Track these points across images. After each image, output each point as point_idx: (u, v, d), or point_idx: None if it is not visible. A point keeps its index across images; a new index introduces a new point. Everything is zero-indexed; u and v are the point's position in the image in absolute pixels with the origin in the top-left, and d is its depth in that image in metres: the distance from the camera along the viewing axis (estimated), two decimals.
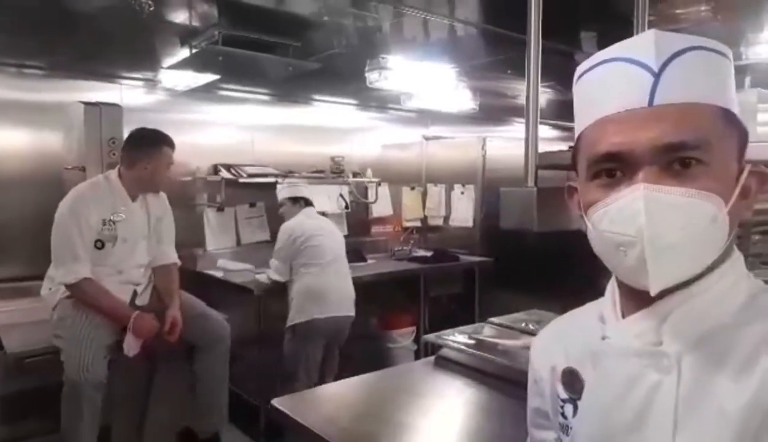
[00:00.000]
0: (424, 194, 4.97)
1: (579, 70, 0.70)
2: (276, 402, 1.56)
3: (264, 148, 4.20)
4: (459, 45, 3.00)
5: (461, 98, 4.17)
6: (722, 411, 0.58)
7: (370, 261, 4.35)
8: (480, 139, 4.58)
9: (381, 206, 4.71)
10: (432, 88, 3.81)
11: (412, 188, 4.96)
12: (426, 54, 3.09)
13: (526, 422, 0.88)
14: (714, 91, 0.62)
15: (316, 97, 4.48)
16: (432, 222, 4.95)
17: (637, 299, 0.65)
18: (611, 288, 0.72)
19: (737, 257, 0.66)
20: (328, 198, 4.14)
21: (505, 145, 4.90)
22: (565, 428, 0.74)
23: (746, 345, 0.59)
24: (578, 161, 0.71)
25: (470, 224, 4.62)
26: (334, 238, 3.37)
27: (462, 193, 4.68)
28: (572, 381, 0.73)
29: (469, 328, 2.18)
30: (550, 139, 6.38)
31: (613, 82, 0.64)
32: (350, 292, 3.34)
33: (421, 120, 5.11)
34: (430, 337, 2.03)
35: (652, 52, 0.61)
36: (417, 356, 4.31)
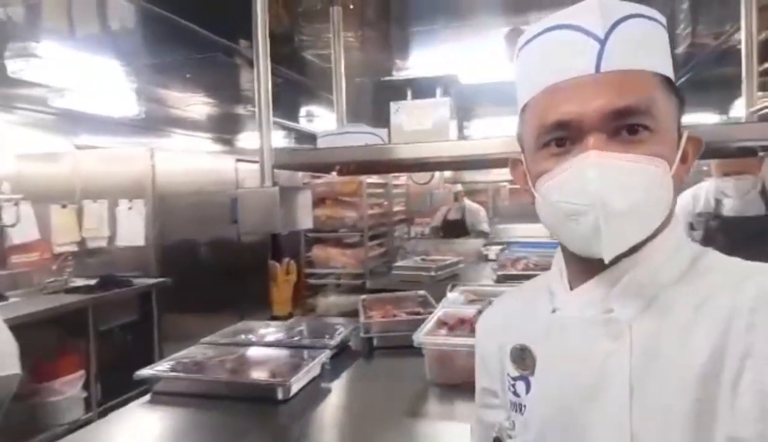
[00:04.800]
0: (80, 212, 4.24)
1: (521, 39, 0.68)
2: None
3: None
4: (131, 37, 2.65)
5: (127, 102, 3.71)
6: (675, 373, 0.58)
7: (12, 300, 3.50)
8: (148, 149, 4.16)
9: (23, 230, 3.81)
10: (91, 86, 3.28)
11: (64, 206, 4.16)
12: (88, 45, 2.63)
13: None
14: (654, 59, 0.65)
15: None
16: (92, 244, 4.25)
17: (584, 268, 0.66)
18: (557, 260, 0.72)
19: (676, 221, 0.68)
20: None
21: (174, 157, 4.59)
22: (517, 407, 0.72)
23: (692, 305, 0.61)
24: (524, 132, 0.69)
25: (142, 242, 4.15)
26: None
27: (129, 208, 4.16)
28: (523, 358, 0.71)
29: (181, 354, 2.00)
30: (214, 153, 6.32)
31: (560, 50, 0.63)
32: (9, 343, 2.57)
33: (69, 127, 4.36)
34: (144, 372, 1.72)
35: (598, 18, 0.62)
36: (88, 404, 3.63)
